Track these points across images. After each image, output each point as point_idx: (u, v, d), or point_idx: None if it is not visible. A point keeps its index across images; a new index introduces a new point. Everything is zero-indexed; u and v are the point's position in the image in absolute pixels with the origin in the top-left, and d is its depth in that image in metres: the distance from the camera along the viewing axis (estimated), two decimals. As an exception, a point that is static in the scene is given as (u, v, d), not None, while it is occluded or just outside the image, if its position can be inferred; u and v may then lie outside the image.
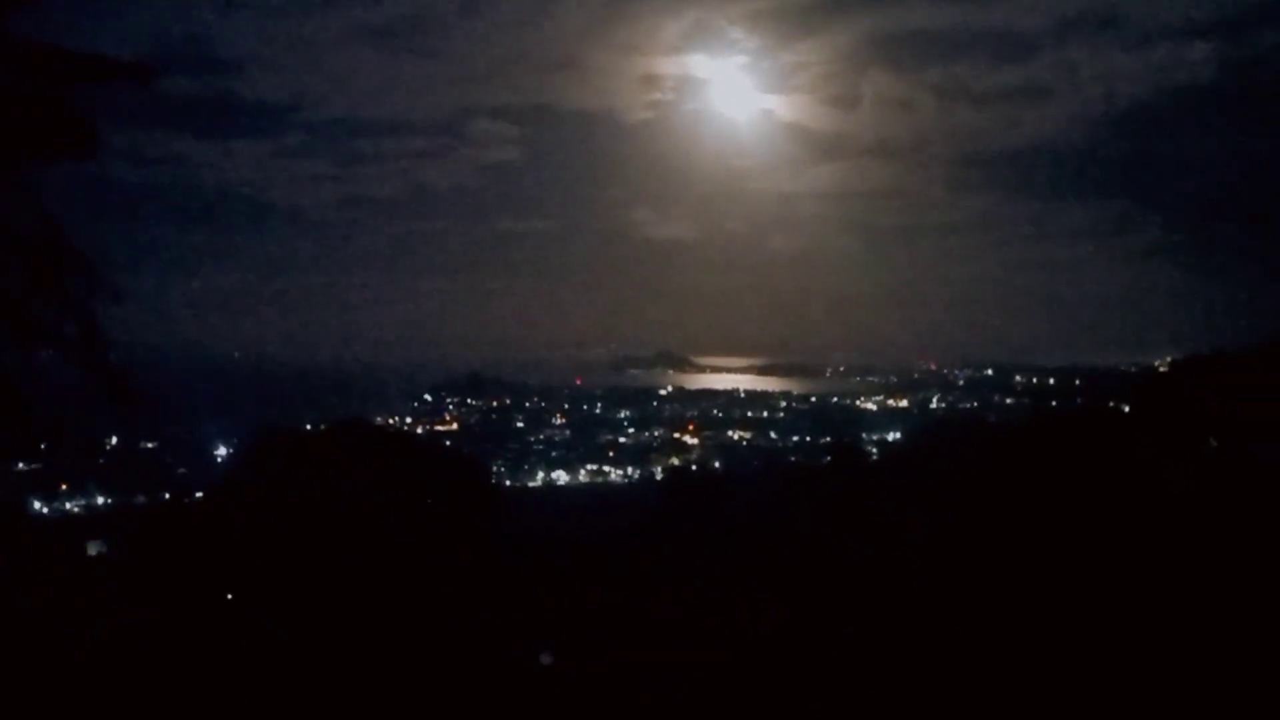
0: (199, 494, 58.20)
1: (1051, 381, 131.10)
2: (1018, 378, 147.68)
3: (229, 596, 31.11)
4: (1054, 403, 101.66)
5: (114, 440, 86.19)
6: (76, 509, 71.35)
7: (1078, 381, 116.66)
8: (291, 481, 36.01)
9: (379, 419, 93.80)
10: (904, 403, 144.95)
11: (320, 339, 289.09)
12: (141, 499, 66.54)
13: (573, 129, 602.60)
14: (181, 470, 74.80)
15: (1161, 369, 78.28)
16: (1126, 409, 52.56)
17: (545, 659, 24.44)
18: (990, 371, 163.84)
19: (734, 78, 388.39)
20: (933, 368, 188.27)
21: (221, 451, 77.82)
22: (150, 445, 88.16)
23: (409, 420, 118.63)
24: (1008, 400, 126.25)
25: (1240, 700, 17.32)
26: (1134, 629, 20.13)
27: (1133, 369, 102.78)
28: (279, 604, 28.19)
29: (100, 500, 70.04)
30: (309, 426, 61.26)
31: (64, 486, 72.64)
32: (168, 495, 64.48)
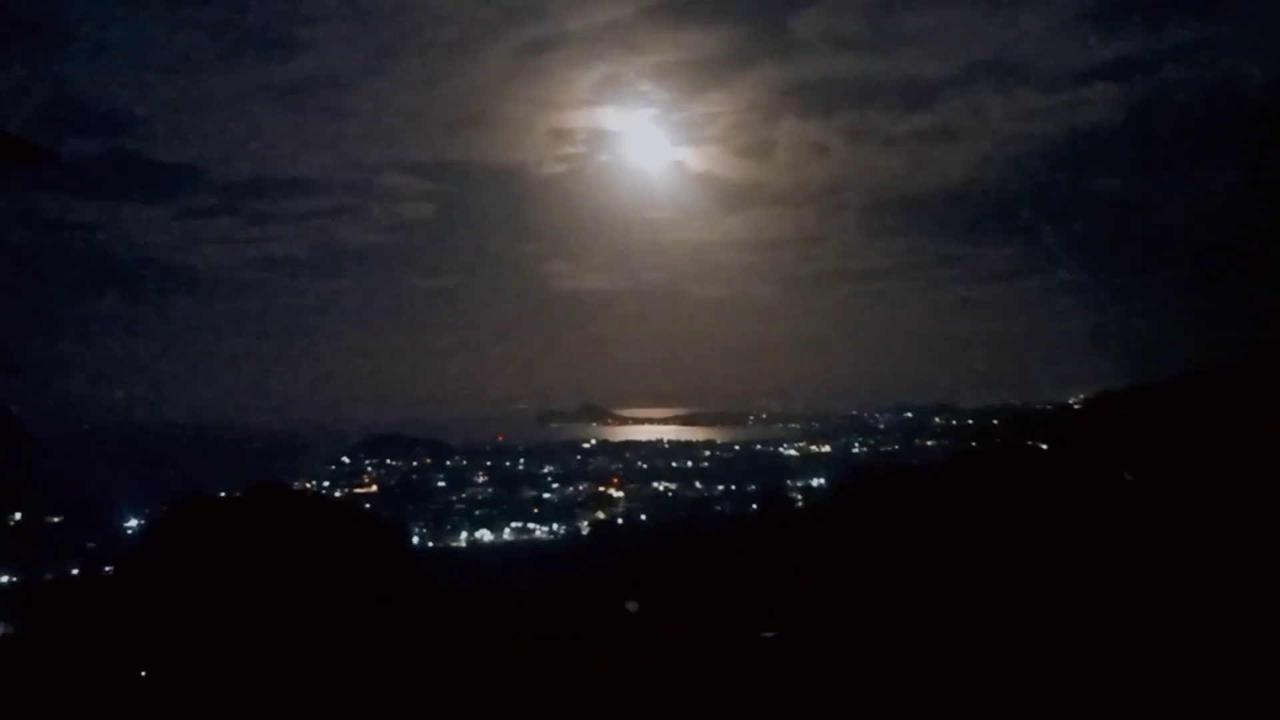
0: (108, 568, 56.30)
1: (970, 422, 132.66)
2: (936, 419, 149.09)
3: (141, 674, 29.93)
4: (973, 443, 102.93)
5: (17, 516, 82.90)
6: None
7: (995, 421, 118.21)
8: (204, 552, 34.88)
9: (296, 484, 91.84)
10: (826, 448, 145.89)
11: (235, 403, 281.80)
12: (48, 575, 63.93)
13: (485, 183, 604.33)
14: (90, 544, 71.86)
15: (1076, 406, 79.97)
16: (1044, 447, 53.40)
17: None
18: (909, 414, 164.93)
19: (645, 130, 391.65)
20: (853, 412, 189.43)
21: (133, 523, 75.29)
22: (56, 520, 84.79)
23: (326, 484, 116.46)
24: (928, 442, 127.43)
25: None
26: (1050, 662, 20.18)
27: (1049, 407, 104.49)
28: (191, 679, 27.13)
29: (3, 579, 67.12)
30: (223, 494, 59.58)
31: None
32: (75, 571, 62.11)
